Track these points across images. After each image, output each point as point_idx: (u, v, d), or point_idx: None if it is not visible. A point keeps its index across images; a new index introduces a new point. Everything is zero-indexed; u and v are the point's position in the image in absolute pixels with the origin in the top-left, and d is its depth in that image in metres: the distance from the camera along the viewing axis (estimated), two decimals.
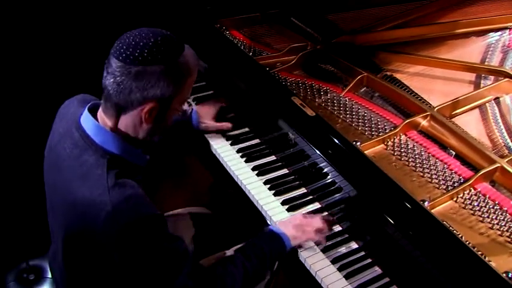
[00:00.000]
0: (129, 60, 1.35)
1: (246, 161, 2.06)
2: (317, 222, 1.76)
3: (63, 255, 1.56)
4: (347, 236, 1.80)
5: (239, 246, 1.74)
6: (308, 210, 1.88)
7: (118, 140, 1.45)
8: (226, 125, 2.16)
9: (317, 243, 1.75)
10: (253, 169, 2.03)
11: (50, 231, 1.71)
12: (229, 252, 1.89)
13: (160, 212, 1.43)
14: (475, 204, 1.68)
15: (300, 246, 1.75)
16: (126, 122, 1.44)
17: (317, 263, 1.71)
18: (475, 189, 1.73)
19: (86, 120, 1.47)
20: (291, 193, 1.94)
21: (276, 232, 1.72)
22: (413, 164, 1.82)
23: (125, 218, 1.35)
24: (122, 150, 1.46)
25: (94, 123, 1.45)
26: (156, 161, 1.71)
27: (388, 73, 2.20)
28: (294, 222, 1.76)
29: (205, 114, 2.15)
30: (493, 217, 1.64)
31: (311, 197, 1.93)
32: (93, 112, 1.48)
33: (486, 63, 2.27)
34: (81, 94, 1.66)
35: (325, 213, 1.87)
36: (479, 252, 1.50)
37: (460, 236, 1.55)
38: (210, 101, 2.25)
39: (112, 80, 1.37)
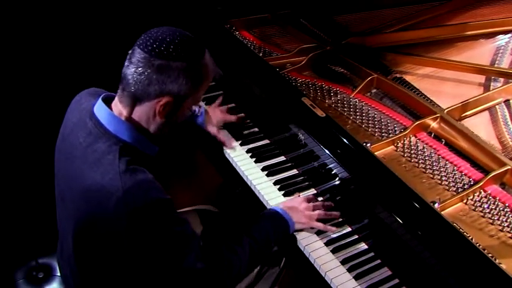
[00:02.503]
0: (154, 53, 1.38)
1: (255, 162, 2.07)
2: (318, 207, 1.83)
3: (73, 247, 1.57)
4: (357, 237, 1.80)
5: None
6: None
7: (131, 129, 1.48)
8: (222, 138, 2.14)
9: (323, 229, 1.79)
10: (263, 169, 2.03)
11: (58, 226, 1.72)
12: None
13: (169, 197, 1.45)
14: (485, 206, 1.68)
15: (309, 248, 1.76)
16: (140, 112, 1.47)
17: (327, 263, 1.71)
18: (485, 191, 1.73)
19: (100, 109, 1.50)
20: (300, 194, 1.94)
21: (281, 214, 1.76)
22: (423, 166, 1.82)
23: (135, 202, 1.37)
24: (135, 140, 1.48)
25: (108, 112, 1.48)
26: (165, 157, 1.72)
27: (398, 75, 2.21)
28: (298, 205, 1.80)
29: (212, 118, 2.17)
30: (503, 219, 1.64)
31: (321, 198, 1.93)
32: (107, 103, 1.51)
33: (496, 65, 2.27)
34: (92, 88, 1.69)
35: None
36: (490, 254, 1.50)
37: (470, 237, 1.55)
38: (218, 107, 2.24)
39: (134, 69, 1.40)
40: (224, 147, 2.14)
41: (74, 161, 1.51)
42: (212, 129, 2.14)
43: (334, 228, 1.79)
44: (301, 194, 1.94)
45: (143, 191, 1.40)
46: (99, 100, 1.51)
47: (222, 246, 1.63)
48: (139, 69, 1.39)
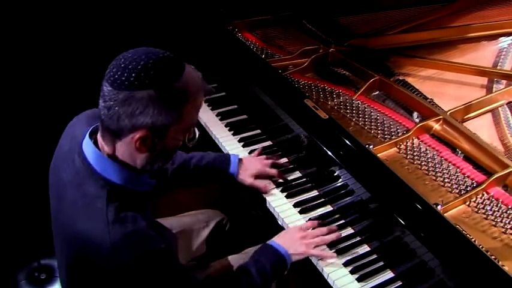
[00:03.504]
0: (117, 85, 1.26)
1: None
2: (319, 233, 1.77)
3: (67, 275, 1.53)
4: (359, 238, 1.80)
5: (241, 259, 1.75)
6: (320, 213, 1.89)
7: (118, 169, 1.37)
8: (265, 187, 1.97)
9: (321, 257, 1.74)
10: None
11: (54, 243, 1.63)
12: (238, 257, 1.90)
13: (164, 246, 1.37)
14: (488, 208, 1.68)
15: None
16: (122, 149, 1.35)
17: (329, 265, 1.71)
18: (487, 193, 1.73)
19: (87, 146, 1.40)
20: (303, 195, 1.94)
21: (278, 249, 1.71)
22: (426, 168, 1.82)
23: (124, 257, 1.31)
24: (124, 180, 1.38)
25: (94, 151, 1.38)
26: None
27: (401, 77, 2.21)
28: (294, 235, 1.76)
29: (247, 167, 2.00)
30: (506, 221, 1.64)
31: (323, 199, 1.93)
32: (95, 134, 1.42)
33: (498, 67, 2.27)
34: (92, 109, 1.55)
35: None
36: (493, 257, 1.50)
37: (473, 240, 1.54)
38: (259, 158, 2.05)
39: (103, 104, 1.29)
40: (225, 147, 2.13)
41: (64, 201, 1.43)
42: (246, 181, 1.97)
43: (332, 254, 1.74)
44: (304, 196, 1.94)
45: (132, 244, 1.32)
46: (87, 136, 1.40)
47: (219, 285, 1.61)
48: (107, 103, 1.27)
